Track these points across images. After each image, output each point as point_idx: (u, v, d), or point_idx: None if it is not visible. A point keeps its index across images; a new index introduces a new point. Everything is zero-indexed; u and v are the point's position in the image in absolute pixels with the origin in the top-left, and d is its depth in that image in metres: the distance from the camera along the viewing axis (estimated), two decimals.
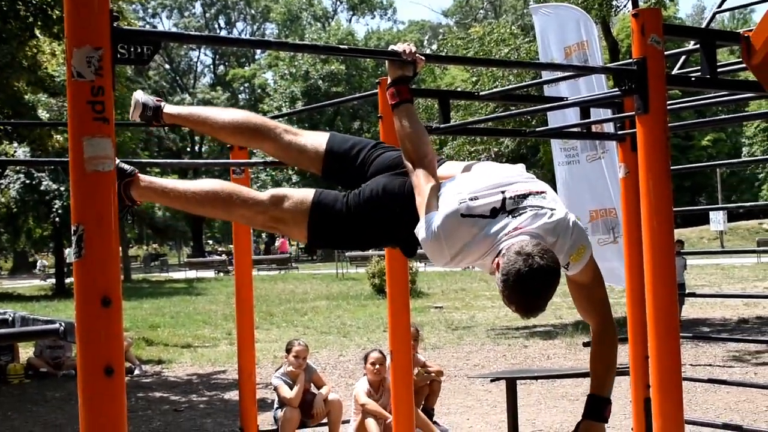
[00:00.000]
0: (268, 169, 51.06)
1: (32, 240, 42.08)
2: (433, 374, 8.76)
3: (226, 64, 67.70)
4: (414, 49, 3.43)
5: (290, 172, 51.84)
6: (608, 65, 5.51)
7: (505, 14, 36.77)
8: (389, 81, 3.48)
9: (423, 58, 3.49)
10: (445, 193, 3.24)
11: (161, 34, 3.05)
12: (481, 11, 31.23)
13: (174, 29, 66.93)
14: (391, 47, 3.44)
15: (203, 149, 64.49)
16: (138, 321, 20.23)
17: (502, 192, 3.20)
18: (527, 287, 3.03)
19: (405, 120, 3.38)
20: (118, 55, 2.78)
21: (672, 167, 4.80)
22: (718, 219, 35.34)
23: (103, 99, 2.66)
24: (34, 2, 14.13)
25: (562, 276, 3.23)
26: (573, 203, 11.61)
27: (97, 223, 2.62)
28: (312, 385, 8.37)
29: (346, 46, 3.55)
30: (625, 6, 18.24)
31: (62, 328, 13.78)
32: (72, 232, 2.65)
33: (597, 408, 3.42)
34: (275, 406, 8.26)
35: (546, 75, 11.55)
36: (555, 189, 11.72)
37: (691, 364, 11.81)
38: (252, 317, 6.28)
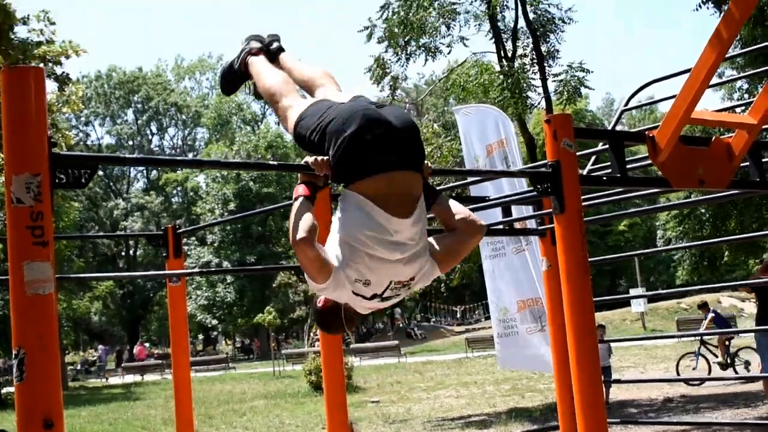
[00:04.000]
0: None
1: None
2: None
3: (159, 169, 67.65)
4: (323, 161, 3.55)
5: (226, 278, 51.67)
6: (525, 169, 5.78)
7: (427, 113, 37.65)
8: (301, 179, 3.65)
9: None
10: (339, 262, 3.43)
11: (98, 158, 3.19)
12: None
13: (107, 137, 66.84)
14: (304, 160, 3.59)
15: (138, 253, 63.86)
16: (76, 430, 19.74)
17: (391, 280, 3.46)
18: None
19: (298, 208, 3.47)
20: (57, 180, 2.90)
21: (592, 259, 5.04)
22: (638, 301, 37.38)
23: (42, 223, 2.76)
24: None
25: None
26: (501, 294, 11.87)
27: (39, 346, 2.68)
28: None
29: (274, 162, 3.71)
30: (539, 103, 18.91)
31: None
32: (13, 356, 2.70)
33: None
34: None
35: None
36: (482, 280, 11.85)
37: None
38: (191, 419, 6.28)
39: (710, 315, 17.93)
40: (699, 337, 17.65)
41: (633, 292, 39.51)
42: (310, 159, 3.60)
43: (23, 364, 2.66)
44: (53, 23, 14.20)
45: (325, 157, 3.58)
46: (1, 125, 2.79)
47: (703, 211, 19.72)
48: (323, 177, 3.61)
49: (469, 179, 7.14)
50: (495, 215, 8.21)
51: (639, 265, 46.66)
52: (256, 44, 4.49)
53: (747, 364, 17.20)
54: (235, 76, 4.54)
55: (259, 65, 4.36)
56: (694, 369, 18.09)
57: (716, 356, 17.77)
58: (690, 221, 20.48)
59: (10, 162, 2.76)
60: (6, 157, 2.78)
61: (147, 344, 55.99)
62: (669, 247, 22.99)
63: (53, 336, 2.73)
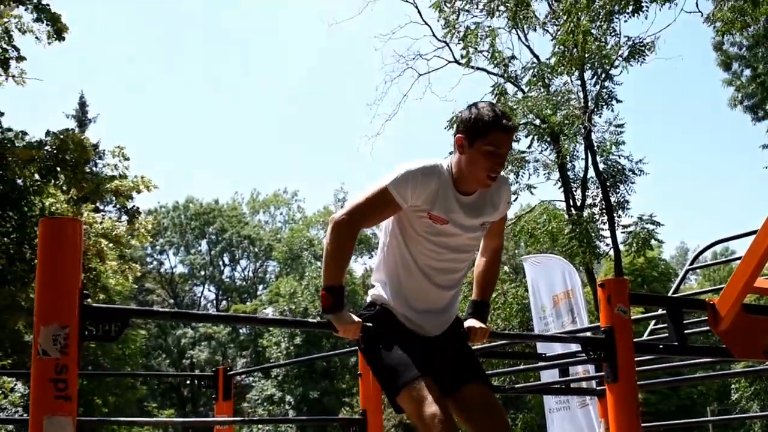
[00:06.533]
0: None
1: None
2: None
3: (229, 299, 68.25)
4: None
5: (288, 413, 51.27)
6: (577, 334, 5.60)
7: None
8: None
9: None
10: None
11: (129, 311, 3.12)
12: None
13: (180, 266, 67.88)
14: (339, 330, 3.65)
15: (203, 382, 63.67)
16: None
17: None
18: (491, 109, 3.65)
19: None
20: (86, 332, 2.84)
21: (657, 424, 4.81)
22: None
23: (66, 377, 2.69)
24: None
25: None
26: None
27: None
28: None
29: (313, 320, 3.69)
30: (607, 253, 18.71)
31: None
32: None
33: (482, 311, 3.97)
34: None
35: (537, 323, 11.76)
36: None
37: None
38: None
39: None
40: None
41: None
42: (341, 328, 3.61)
43: None
44: (127, 158, 14.72)
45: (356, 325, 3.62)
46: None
47: None
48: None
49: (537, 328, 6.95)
50: (555, 372, 7.99)
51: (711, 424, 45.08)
52: None
53: None
54: None
55: None
56: None
57: None
58: (761, 382, 19.74)
59: (40, 313, 2.73)
60: (36, 307, 2.75)
61: None
62: (736, 416, 22.00)
63: None
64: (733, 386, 46.75)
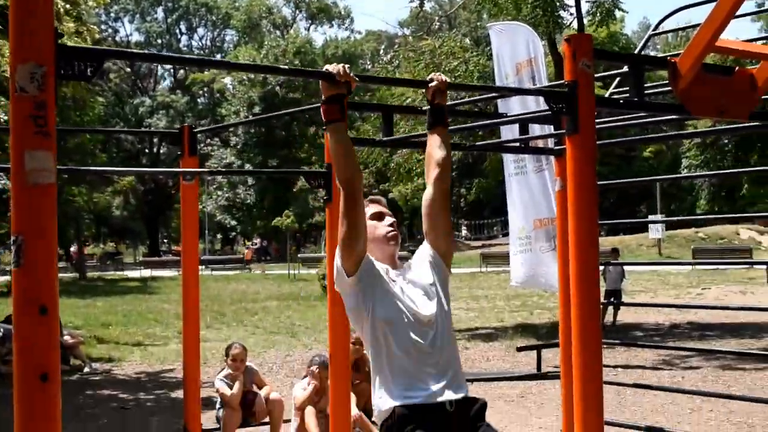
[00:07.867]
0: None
1: None
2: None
3: (186, 68, 67.44)
4: (347, 71, 3.53)
5: (247, 180, 51.94)
6: (541, 87, 5.69)
7: (458, 26, 37.05)
8: (323, 98, 3.58)
9: (356, 78, 3.62)
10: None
11: (104, 52, 3.12)
12: (437, 23, 31.23)
13: (136, 34, 66.54)
14: (326, 68, 3.54)
15: (161, 151, 63.98)
16: (90, 319, 20.17)
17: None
18: None
19: (334, 140, 3.51)
20: (62, 72, 2.87)
21: (610, 182, 5.01)
22: (656, 228, 37.71)
23: (44, 113, 2.73)
24: None
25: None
26: (520, 213, 11.93)
27: (37, 234, 2.69)
28: (254, 385, 8.43)
29: (284, 66, 3.68)
30: (570, 24, 18.55)
31: (1, 333, 13.14)
32: (12, 242, 2.72)
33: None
34: (218, 406, 8.31)
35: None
36: (504, 199, 11.78)
37: (623, 367, 12.22)
38: (197, 317, 6.43)
39: None
40: None
41: (652, 218, 39.54)
42: (333, 67, 3.56)
43: (21, 250, 2.68)
44: None
45: (347, 66, 3.55)
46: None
47: (726, 141, 19.46)
48: (345, 86, 3.55)
49: (495, 95, 7.06)
50: (515, 132, 8.16)
51: (660, 192, 46.04)
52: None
53: None
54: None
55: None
56: None
57: None
58: (712, 151, 20.21)
59: (15, 51, 2.73)
60: (12, 46, 2.75)
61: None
62: (686, 175, 22.86)
63: (51, 224, 2.73)
64: (683, 159, 47.92)
